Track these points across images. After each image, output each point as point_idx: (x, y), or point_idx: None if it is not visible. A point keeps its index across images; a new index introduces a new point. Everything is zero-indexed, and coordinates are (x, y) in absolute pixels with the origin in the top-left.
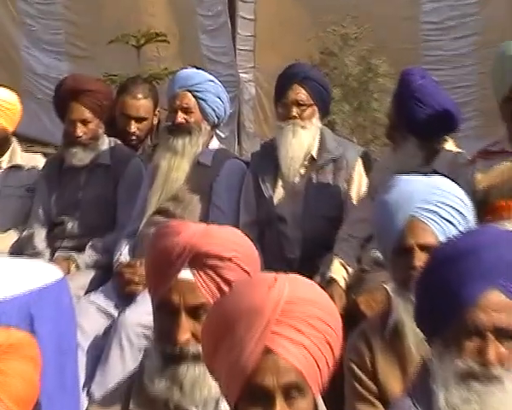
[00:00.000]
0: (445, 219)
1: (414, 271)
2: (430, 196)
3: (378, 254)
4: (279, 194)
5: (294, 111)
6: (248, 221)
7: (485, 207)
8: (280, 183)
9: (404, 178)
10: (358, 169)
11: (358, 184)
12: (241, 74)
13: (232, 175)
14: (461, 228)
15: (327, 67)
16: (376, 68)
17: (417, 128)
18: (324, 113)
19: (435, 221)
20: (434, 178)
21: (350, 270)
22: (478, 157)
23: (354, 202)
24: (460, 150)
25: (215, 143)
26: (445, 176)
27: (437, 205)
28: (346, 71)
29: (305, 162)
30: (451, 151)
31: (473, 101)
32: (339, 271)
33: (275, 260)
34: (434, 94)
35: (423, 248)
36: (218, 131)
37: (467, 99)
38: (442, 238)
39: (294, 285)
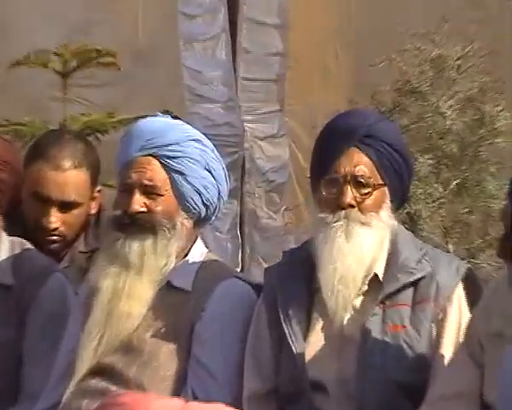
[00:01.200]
0: None
1: None
2: None
3: None
4: (315, 343)
5: (349, 195)
6: (258, 392)
7: None
8: (317, 323)
9: None
10: (457, 301)
11: (456, 327)
12: (247, 125)
13: (230, 308)
14: None
15: (404, 115)
16: (493, 121)
17: None
18: (400, 200)
19: None
20: None
21: None
22: None
23: (446, 361)
24: None
25: (199, 251)
26: None
27: None
28: (440, 124)
29: (364, 287)
30: None
31: None
32: None
33: None
34: None
35: None
36: (206, 229)
37: None
38: None
39: None
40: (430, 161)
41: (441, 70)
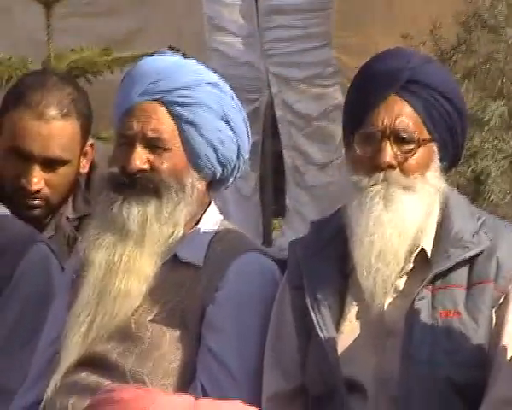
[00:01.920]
0: None
1: None
2: None
3: None
4: (349, 334)
5: (389, 153)
6: (281, 392)
7: None
8: (351, 310)
9: None
10: None
11: None
12: (270, 66)
13: (248, 288)
14: None
15: (470, 54)
16: None
17: None
18: (452, 158)
19: None
20: None
21: None
22: None
23: (508, 358)
24: None
25: (213, 218)
26: None
27: None
28: None
29: (409, 266)
30: None
31: None
32: None
33: None
34: None
35: None
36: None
37: None
38: None
39: None
40: (502, 108)
41: None
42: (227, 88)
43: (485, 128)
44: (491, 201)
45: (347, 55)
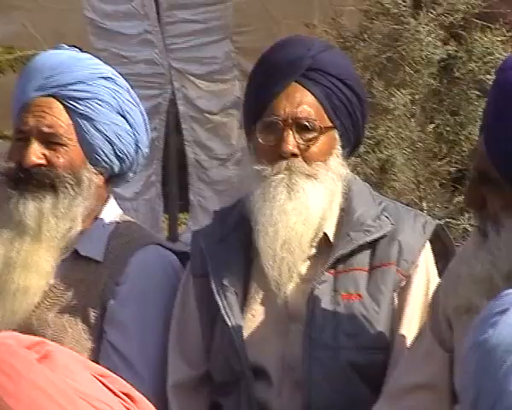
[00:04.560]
0: None
1: None
2: None
3: None
4: (255, 320)
5: (291, 142)
6: (185, 379)
7: None
8: (257, 296)
9: None
10: (424, 266)
11: (423, 297)
12: (172, 62)
13: (149, 282)
14: None
15: (373, 42)
16: (487, 53)
17: None
18: (354, 144)
19: None
20: None
21: None
22: None
23: (409, 341)
24: None
25: (112, 213)
26: None
27: None
28: (416, 52)
29: (312, 251)
30: None
31: None
32: None
33: None
34: None
35: None
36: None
37: None
38: None
39: None
40: (407, 98)
41: None
42: (123, 82)
43: (390, 117)
44: (395, 189)
45: (246, 48)
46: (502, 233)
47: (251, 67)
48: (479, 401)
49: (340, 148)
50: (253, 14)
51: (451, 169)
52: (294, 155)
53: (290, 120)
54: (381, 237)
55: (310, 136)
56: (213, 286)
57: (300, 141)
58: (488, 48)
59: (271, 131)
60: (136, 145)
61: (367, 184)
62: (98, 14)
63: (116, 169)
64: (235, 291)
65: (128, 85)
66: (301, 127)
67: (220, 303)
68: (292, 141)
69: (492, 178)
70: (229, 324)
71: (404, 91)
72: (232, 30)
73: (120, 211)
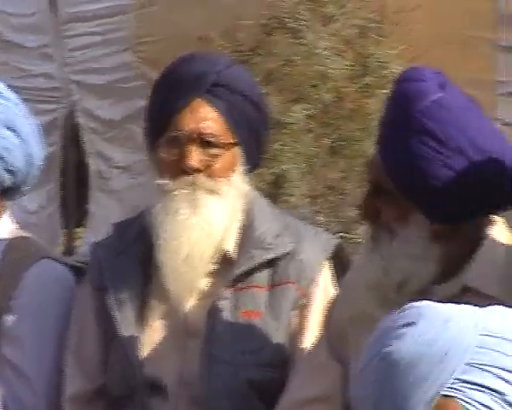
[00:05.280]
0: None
1: None
2: (483, 355)
3: None
4: (153, 334)
5: (195, 158)
6: (82, 392)
7: None
8: (156, 311)
9: (427, 308)
10: (324, 284)
11: (322, 316)
12: (71, 75)
13: (44, 296)
14: None
15: (270, 57)
16: (381, 67)
17: (429, 195)
18: (255, 161)
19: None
20: (487, 311)
21: None
22: None
23: (308, 358)
24: None
25: (5, 228)
26: (500, 303)
27: (496, 374)
28: (315, 68)
29: (213, 267)
30: (504, 245)
31: None
32: None
33: None
34: (468, 123)
35: None
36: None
37: None
38: None
39: None
40: (304, 112)
41: (318, 4)
42: (12, 95)
43: (286, 132)
44: (290, 203)
45: (149, 58)
46: (394, 243)
47: (155, 76)
48: None
49: (242, 164)
50: (156, 25)
51: (347, 183)
52: (198, 171)
53: (194, 136)
54: (282, 256)
55: (213, 152)
56: (110, 299)
57: (204, 157)
58: (383, 61)
59: (175, 146)
60: (28, 158)
61: (269, 201)
62: (6, 25)
63: (7, 183)
64: (132, 305)
65: (17, 99)
66: (205, 143)
67: (117, 316)
68: (196, 156)
69: (387, 189)
70: (125, 337)
71: (300, 106)
72: (134, 41)
73: (14, 226)
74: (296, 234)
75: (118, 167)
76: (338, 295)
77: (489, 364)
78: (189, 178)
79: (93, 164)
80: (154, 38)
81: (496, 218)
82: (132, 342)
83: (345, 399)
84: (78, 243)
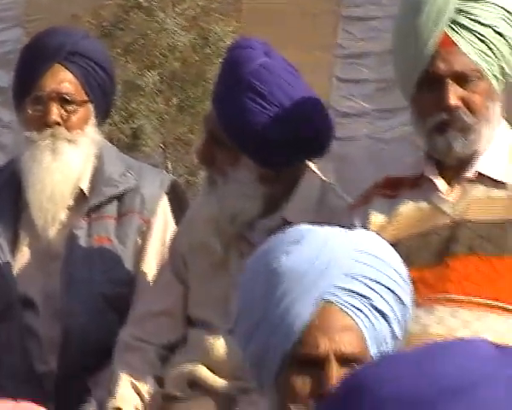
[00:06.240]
0: (375, 308)
1: None
2: (355, 268)
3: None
4: (23, 259)
5: (54, 113)
6: None
7: None
8: (24, 241)
9: (308, 230)
10: (162, 213)
11: (161, 239)
12: None
13: None
14: (395, 324)
15: (128, 32)
16: (219, 40)
17: (255, 144)
18: (104, 115)
19: (362, 312)
20: (356, 233)
21: (146, 396)
22: (374, 194)
23: (150, 278)
24: (331, 182)
25: None
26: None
27: (366, 284)
28: (164, 41)
29: (70, 202)
30: (317, 182)
31: None
32: (128, 397)
33: (13, 375)
34: (288, 84)
35: (343, 359)
36: None
37: None
38: (371, 344)
39: None
40: (156, 78)
41: None
42: None
43: (142, 93)
44: (145, 152)
45: (34, 34)
46: (228, 184)
47: None
48: (264, 322)
49: (94, 118)
50: (41, 6)
51: (191, 136)
52: (58, 124)
53: (54, 95)
54: (127, 190)
55: (70, 108)
56: None
57: (63, 112)
58: (220, 36)
59: (38, 104)
60: None
61: (115, 148)
62: None
63: None
64: (6, 236)
65: None
66: (63, 101)
67: None
68: (55, 112)
69: (221, 138)
70: (1, 263)
71: (153, 72)
72: (23, 18)
73: None
74: (138, 173)
75: (6, 127)
76: (179, 227)
77: (361, 274)
78: (51, 131)
79: None
80: (39, 16)
81: (310, 164)
82: (7, 266)
83: (185, 313)
84: None
